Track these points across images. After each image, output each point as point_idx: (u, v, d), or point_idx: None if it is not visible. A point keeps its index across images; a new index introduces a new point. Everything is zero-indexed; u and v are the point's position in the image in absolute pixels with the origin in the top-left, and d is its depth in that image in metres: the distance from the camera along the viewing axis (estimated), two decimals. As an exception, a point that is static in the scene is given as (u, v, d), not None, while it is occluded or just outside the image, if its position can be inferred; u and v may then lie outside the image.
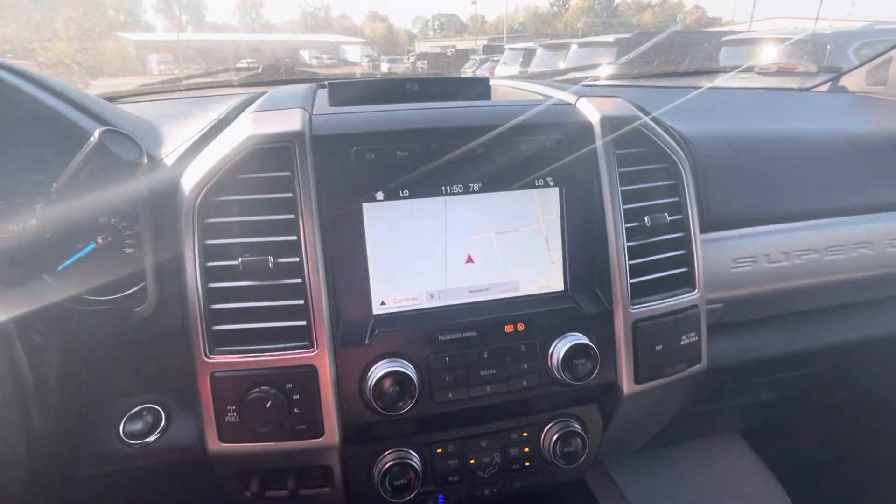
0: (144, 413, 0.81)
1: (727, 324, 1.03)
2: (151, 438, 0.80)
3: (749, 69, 1.92)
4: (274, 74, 1.50)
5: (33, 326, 0.73)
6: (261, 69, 1.50)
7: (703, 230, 0.94)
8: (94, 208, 0.73)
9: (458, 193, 0.80)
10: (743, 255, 0.99)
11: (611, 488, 1.06)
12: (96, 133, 0.68)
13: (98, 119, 0.78)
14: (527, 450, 0.89)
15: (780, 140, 1.09)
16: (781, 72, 1.78)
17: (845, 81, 1.59)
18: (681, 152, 0.90)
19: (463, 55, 21.98)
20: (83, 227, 0.78)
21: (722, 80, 1.78)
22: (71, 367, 0.78)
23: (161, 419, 0.81)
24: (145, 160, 0.74)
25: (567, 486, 1.01)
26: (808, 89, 1.68)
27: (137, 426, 0.80)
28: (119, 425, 0.80)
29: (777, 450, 1.50)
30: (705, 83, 1.69)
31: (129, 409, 0.81)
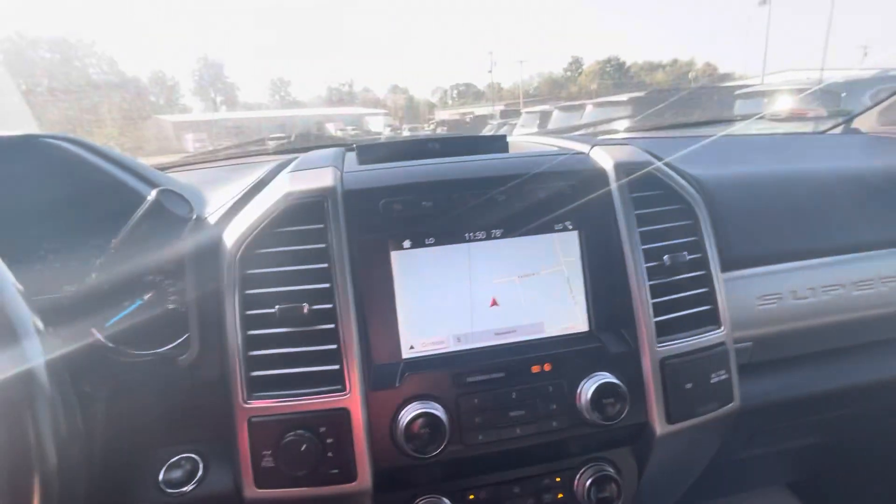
0: (183, 462, 0.83)
1: (759, 363, 1.02)
2: (189, 488, 0.81)
3: (761, 117, 1.97)
4: (304, 142, 1.61)
5: (84, 377, 0.77)
6: (293, 137, 1.61)
7: (725, 269, 0.95)
8: (147, 262, 0.79)
9: (481, 240, 0.84)
10: (768, 293, 0.99)
11: (652, 542, 1.02)
12: (154, 192, 0.75)
13: (150, 184, 0.86)
14: (560, 496, 0.88)
15: (795, 179, 1.12)
16: (794, 117, 1.82)
17: (858, 123, 1.62)
18: (695, 193, 0.93)
19: (481, 120, 22.75)
20: (131, 285, 0.84)
21: (735, 129, 1.82)
22: (116, 418, 0.81)
23: (198, 468, 0.83)
24: (195, 216, 0.81)
25: None
26: (822, 132, 1.71)
27: (176, 475, 0.82)
28: (158, 474, 0.82)
29: (826, 502, 1.41)
30: (718, 132, 1.73)
31: (168, 458, 0.84)
